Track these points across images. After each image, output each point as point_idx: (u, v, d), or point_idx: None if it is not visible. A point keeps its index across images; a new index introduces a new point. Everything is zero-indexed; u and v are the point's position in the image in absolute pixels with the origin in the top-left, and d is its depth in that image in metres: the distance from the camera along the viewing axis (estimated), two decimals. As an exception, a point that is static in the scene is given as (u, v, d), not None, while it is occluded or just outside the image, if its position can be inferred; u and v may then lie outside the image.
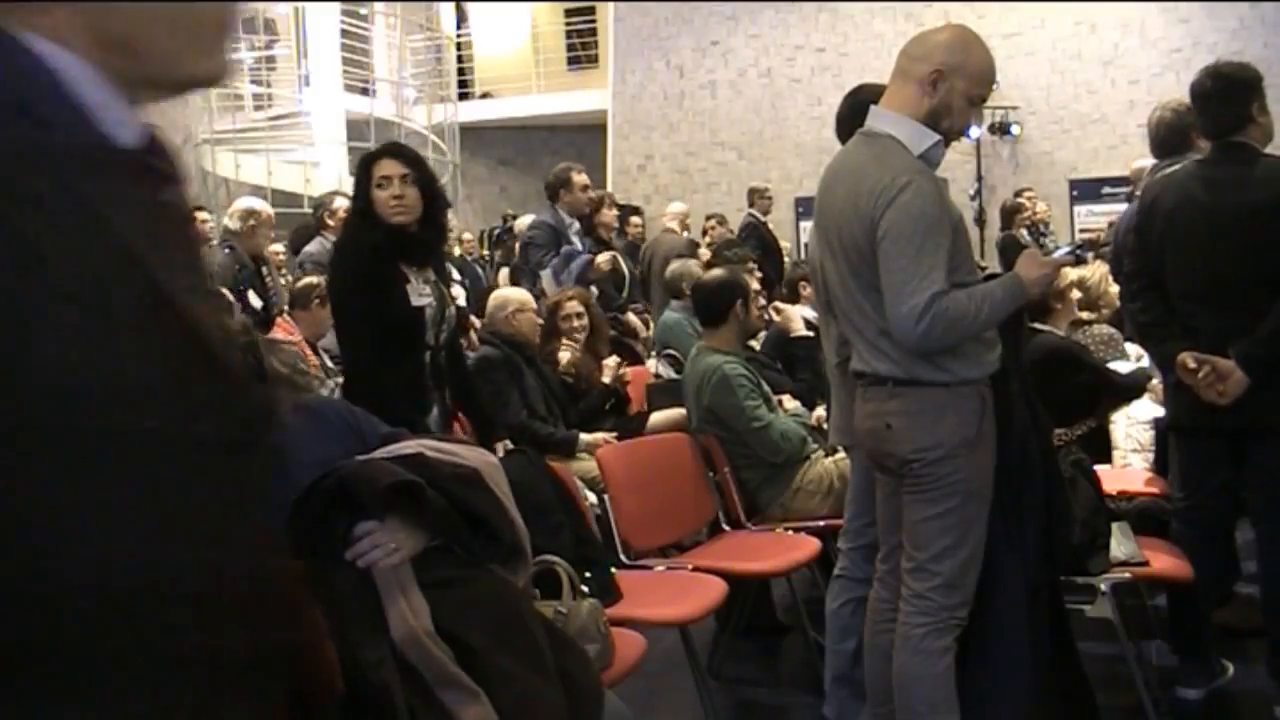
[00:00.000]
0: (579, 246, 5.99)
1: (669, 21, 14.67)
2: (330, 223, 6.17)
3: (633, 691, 2.88)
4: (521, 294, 4.89)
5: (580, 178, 6.01)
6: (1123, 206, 6.94)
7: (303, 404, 2.10)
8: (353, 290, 3.31)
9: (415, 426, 3.36)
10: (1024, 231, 9.63)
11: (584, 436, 4.48)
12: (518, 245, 6.68)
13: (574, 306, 4.92)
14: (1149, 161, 4.49)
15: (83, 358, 0.67)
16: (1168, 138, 4.03)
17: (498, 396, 4.30)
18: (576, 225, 6.09)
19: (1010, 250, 9.14)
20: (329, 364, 4.98)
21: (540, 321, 4.81)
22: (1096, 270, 4.77)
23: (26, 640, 0.66)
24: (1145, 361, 4.28)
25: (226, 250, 5.69)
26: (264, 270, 5.98)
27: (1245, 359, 3.08)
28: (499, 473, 2.04)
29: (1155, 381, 4.14)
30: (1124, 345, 4.53)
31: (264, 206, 6.13)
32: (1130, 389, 4.08)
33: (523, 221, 8.64)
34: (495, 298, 4.85)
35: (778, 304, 5.21)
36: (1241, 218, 3.13)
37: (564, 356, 4.80)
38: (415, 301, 3.39)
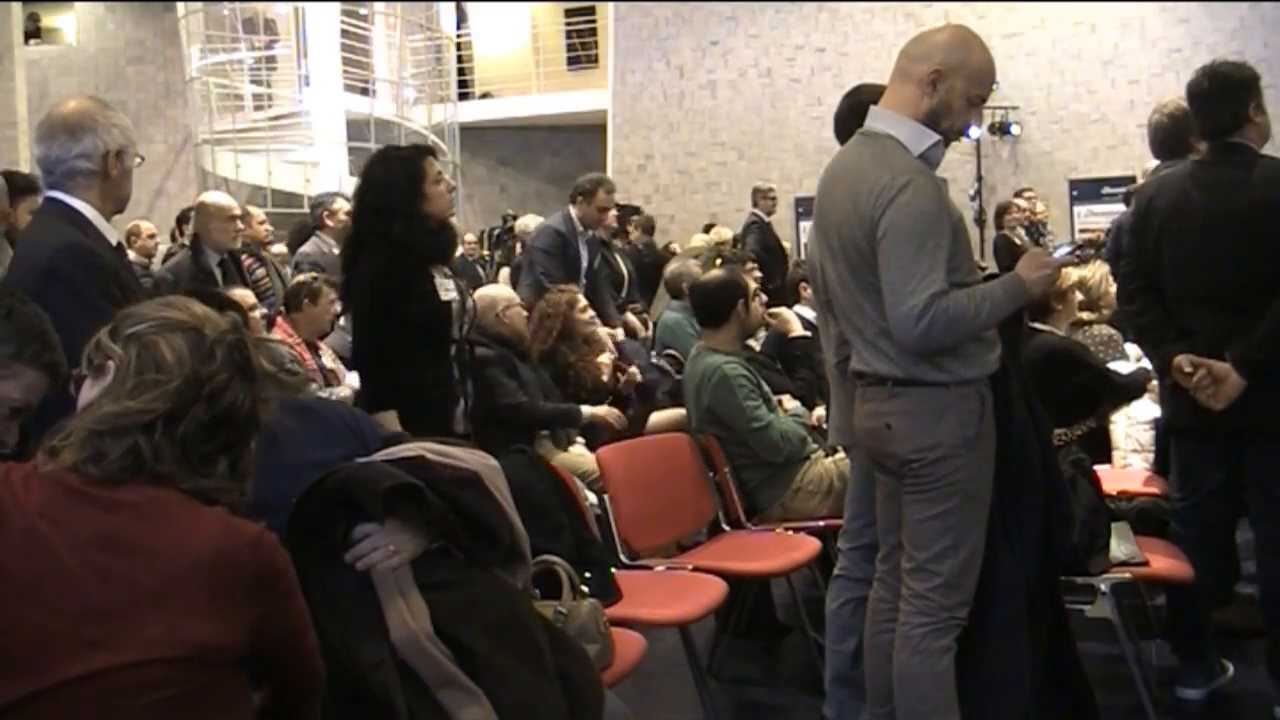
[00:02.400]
0: (584, 254, 5.97)
1: (669, 21, 14.67)
2: (329, 223, 6.13)
3: (633, 691, 2.89)
4: (506, 291, 4.84)
5: (605, 197, 5.98)
6: (1123, 207, 6.93)
7: (303, 406, 2.10)
8: (404, 291, 3.35)
9: (449, 423, 3.42)
10: (1022, 231, 9.64)
11: (586, 410, 4.44)
12: (518, 247, 6.65)
13: (585, 300, 4.95)
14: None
15: None
16: (1165, 142, 4.02)
17: (494, 388, 4.30)
18: (590, 233, 6.05)
19: (1002, 250, 9.16)
20: (328, 364, 4.94)
21: (527, 315, 4.78)
22: (1097, 270, 4.77)
23: None
24: (1146, 362, 4.28)
25: (189, 253, 5.45)
26: (250, 264, 5.80)
27: (1241, 362, 3.07)
28: (498, 475, 2.04)
29: (1155, 382, 4.14)
30: (1124, 346, 4.53)
31: (214, 199, 5.54)
32: (1130, 389, 4.08)
33: (524, 222, 8.64)
34: (483, 297, 4.67)
35: (773, 309, 5.20)
36: (1238, 219, 3.12)
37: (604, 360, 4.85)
38: (444, 296, 3.47)
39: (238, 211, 5.47)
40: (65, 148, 2.53)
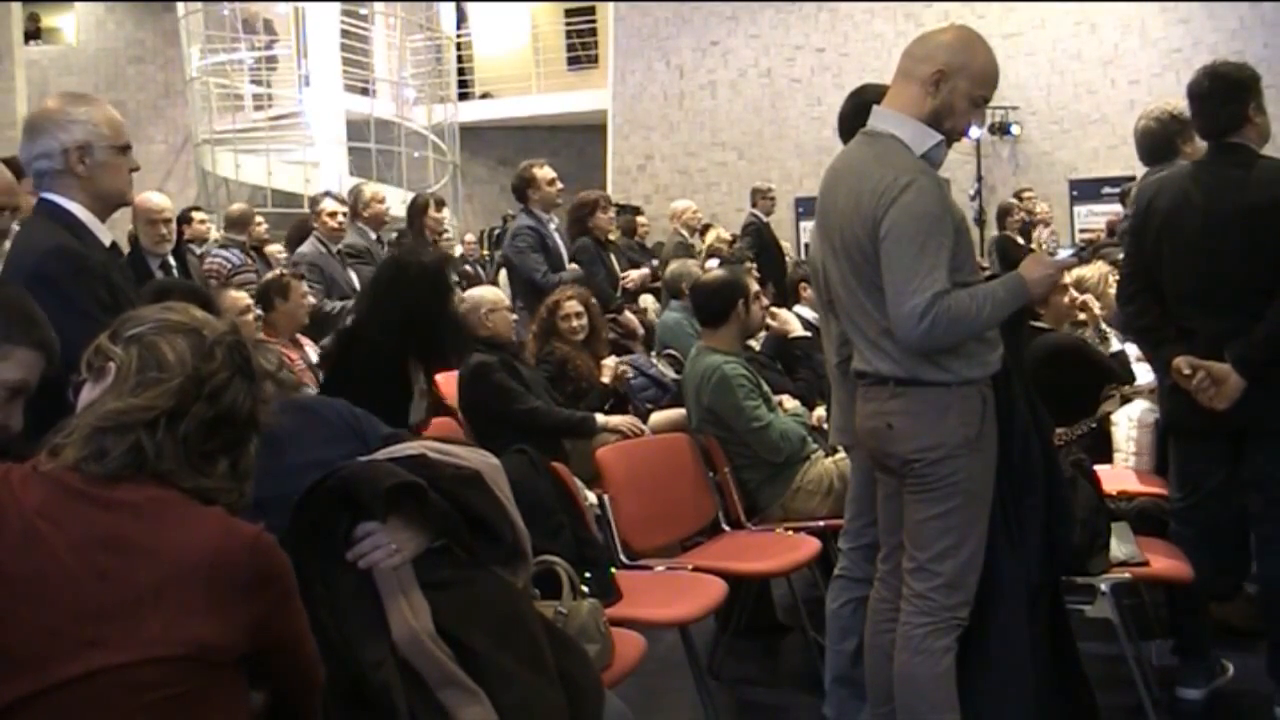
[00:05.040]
0: (560, 243, 5.98)
1: (669, 21, 14.67)
2: (315, 225, 6.10)
3: (633, 691, 2.89)
4: (494, 293, 4.78)
5: (543, 172, 5.95)
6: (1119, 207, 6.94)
7: (304, 405, 2.10)
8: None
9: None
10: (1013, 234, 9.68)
11: (601, 418, 4.46)
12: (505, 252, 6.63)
13: (572, 306, 4.87)
14: None
15: None
16: (1153, 147, 3.99)
17: (505, 393, 4.30)
18: (555, 221, 6.06)
19: (1006, 250, 9.17)
20: (315, 359, 4.84)
21: (515, 318, 4.78)
22: (1096, 270, 4.77)
23: None
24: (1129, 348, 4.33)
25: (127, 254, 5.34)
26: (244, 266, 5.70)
27: (1240, 362, 3.06)
28: (500, 474, 2.04)
29: (1151, 378, 4.16)
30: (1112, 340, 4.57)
31: (143, 199, 4.95)
32: (1117, 371, 4.13)
33: (521, 223, 8.64)
34: (469, 299, 4.65)
35: (773, 309, 5.21)
36: (1238, 219, 3.11)
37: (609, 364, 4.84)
38: None
39: (166, 215, 5.07)
40: (26, 150, 2.52)
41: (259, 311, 4.72)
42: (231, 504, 1.56)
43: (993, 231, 9.99)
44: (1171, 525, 3.47)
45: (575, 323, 4.84)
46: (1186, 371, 3.14)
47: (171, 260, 5.14)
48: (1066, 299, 4.29)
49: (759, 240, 8.84)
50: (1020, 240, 9.45)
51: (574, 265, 6.04)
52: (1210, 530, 3.35)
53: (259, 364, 1.66)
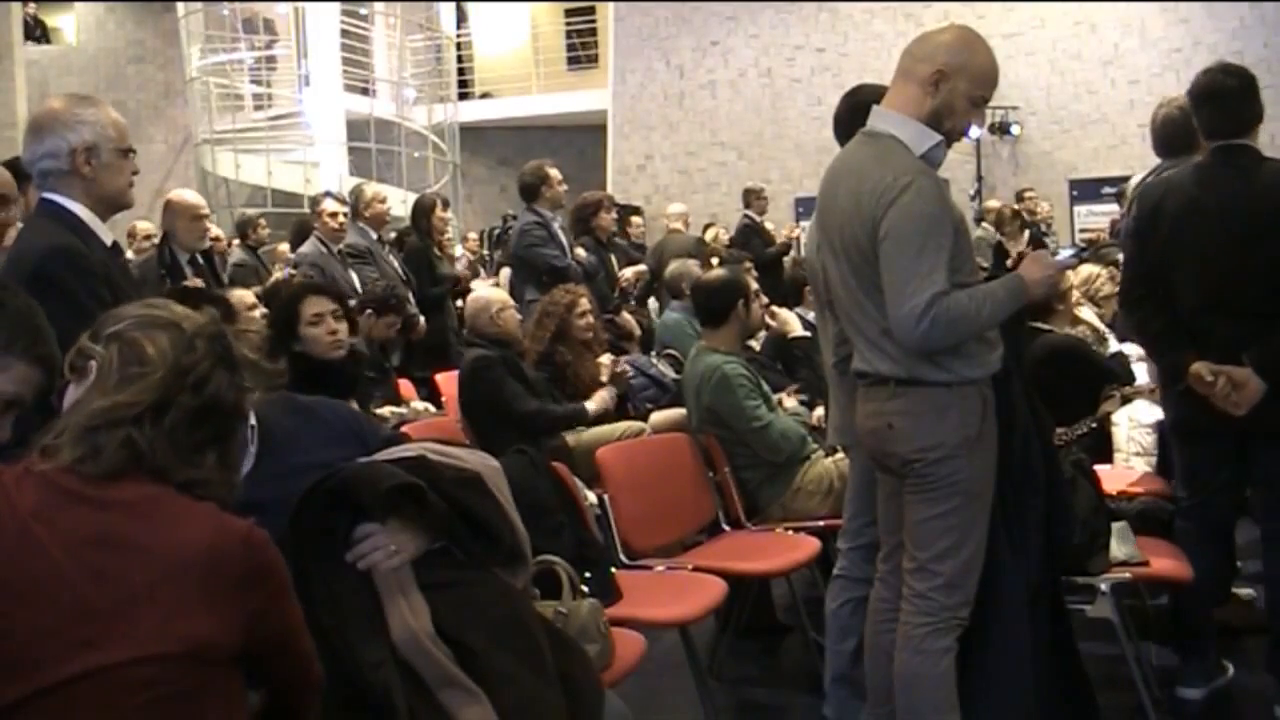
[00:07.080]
0: (565, 242, 6.02)
1: (669, 21, 14.66)
2: (315, 225, 6.11)
3: (633, 691, 2.88)
4: (501, 293, 4.88)
5: (555, 171, 6.08)
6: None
7: (304, 406, 2.10)
8: None
9: None
10: (990, 228, 9.73)
11: (590, 405, 4.54)
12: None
13: (586, 304, 4.90)
14: None
15: None
16: (1175, 135, 3.83)
17: (500, 390, 4.34)
18: (560, 220, 6.13)
19: (996, 253, 9.20)
20: None
21: (520, 318, 4.81)
22: (1099, 270, 4.78)
23: None
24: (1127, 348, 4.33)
25: (155, 250, 5.38)
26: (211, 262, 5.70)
27: (1261, 366, 3.03)
28: (499, 476, 2.05)
29: (1148, 380, 4.16)
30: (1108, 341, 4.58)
31: (180, 196, 5.30)
32: (1118, 372, 4.14)
33: (523, 222, 8.66)
34: (475, 300, 4.79)
35: (773, 309, 5.21)
36: (1251, 222, 3.08)
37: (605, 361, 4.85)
38: None
39: (205, 210, 5.29)
40: (32, 150, 2.53)
41: (264, 309, 4.75)
42: (222, 497, 1.56)
43: (988, 232, 9.95)
44: (1177, 523, 3.46)
45: (590, 320, 4.88)
46: (1209, 379, 3.09)
47: (200, 258, 5.26)
48: (1073, 298, 4.30)
49: (761, 241, 8.86)
50: (1022, 247, 9.46)
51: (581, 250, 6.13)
52: (1216, 527, 3.34)
53: (240, 353, 1.67)
